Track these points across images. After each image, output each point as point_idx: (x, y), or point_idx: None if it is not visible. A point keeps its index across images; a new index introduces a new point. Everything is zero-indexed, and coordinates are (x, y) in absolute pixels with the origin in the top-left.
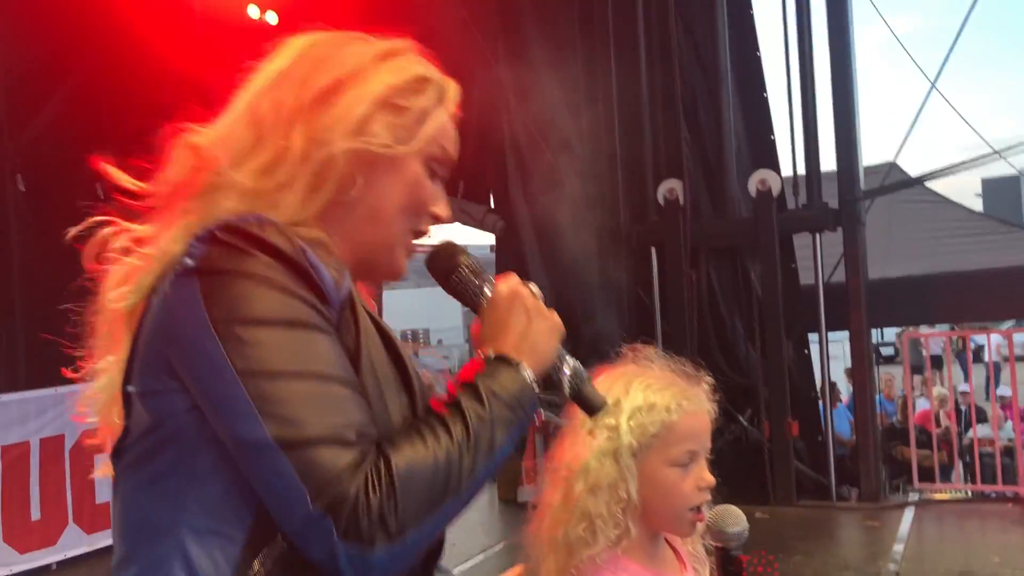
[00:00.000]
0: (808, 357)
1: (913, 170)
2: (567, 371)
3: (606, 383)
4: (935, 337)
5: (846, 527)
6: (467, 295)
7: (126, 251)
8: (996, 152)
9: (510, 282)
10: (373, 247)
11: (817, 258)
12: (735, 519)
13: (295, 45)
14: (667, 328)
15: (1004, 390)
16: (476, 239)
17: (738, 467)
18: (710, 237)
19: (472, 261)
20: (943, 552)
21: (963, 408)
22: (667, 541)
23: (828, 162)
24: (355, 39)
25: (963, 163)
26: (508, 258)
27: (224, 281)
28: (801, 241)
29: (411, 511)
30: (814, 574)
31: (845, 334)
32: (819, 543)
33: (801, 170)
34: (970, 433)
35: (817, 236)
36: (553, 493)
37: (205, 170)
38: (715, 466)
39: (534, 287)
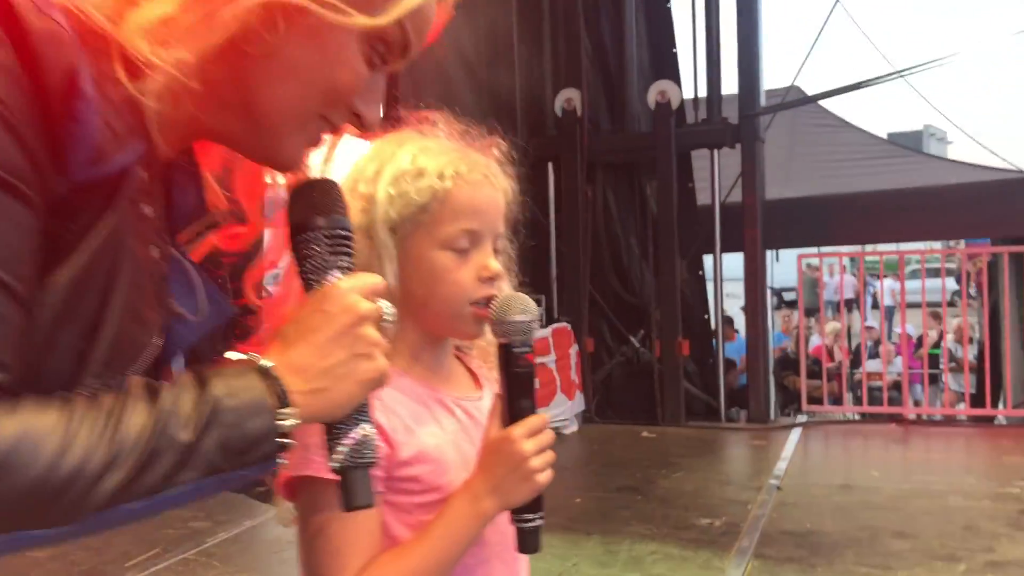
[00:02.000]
0: (702, 279)
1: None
2: (353, 438)
3: (373, 150)
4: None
5: (732, 446)
6: (305, 265)
7: None
8: (897, 72)
9: (361, 287)
10: (264, 121)
11: (714, 176)
12: (521, 306)
13: None
14: (561, 247)
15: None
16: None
17: (628, 388)
18: (607, 152)
19: (340, 228)
20: (825, 468)
21: (868, 344)
22: (461, 360)
23: (729, 86)
24: None
25: (864, 81)
26: None
27: None
28: (700, 164)
29: None
30: (695, 489)
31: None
32: (703, 460)
33: (703, 88)
34: (861, 368)
35: (715, 153)
36: (288, 289)
37: None
38: (605, 388)
39: (389, 308)
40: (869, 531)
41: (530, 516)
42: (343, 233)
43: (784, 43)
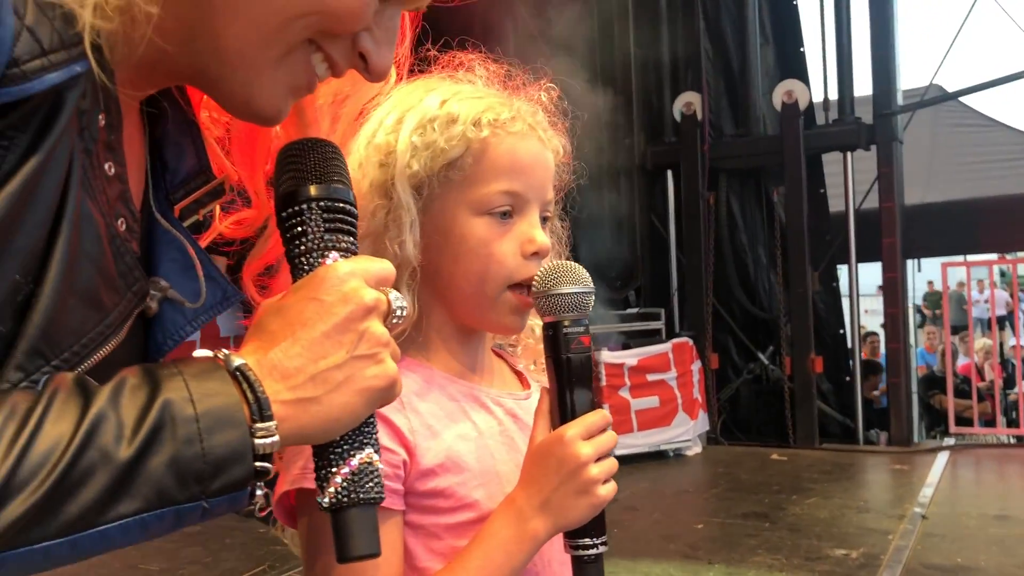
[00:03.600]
0: (836, 291)
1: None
2: (346, 470)
3: (396, 96)
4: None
5: (871, 470)
6: (295, 245)
7: None
8: None
9: (364, 271)
10: (230, 49)
11: (848, 180)
12: (572, 276)
13: None
14: (683, 258)
15: None
16: None
17: (756, 407)
18: (731, 157)
19: (339, 200)
20: (978, 496)
21: (1013, 362)
22: (504, 359)
23: (863, 88)
24: None
25: (1015, 74)
26: None
27: None
28: (832, 168)
29: None
30: (830, 516)
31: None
32: (839, 485)
33: (832, 91)
34: (1016, 388)
35: (848, 156)
36: None
37: None
38: (731, 407)
39: (399, 300)
40: None
41: (589, 542)
42: (343, 207)
43: (921, 41)
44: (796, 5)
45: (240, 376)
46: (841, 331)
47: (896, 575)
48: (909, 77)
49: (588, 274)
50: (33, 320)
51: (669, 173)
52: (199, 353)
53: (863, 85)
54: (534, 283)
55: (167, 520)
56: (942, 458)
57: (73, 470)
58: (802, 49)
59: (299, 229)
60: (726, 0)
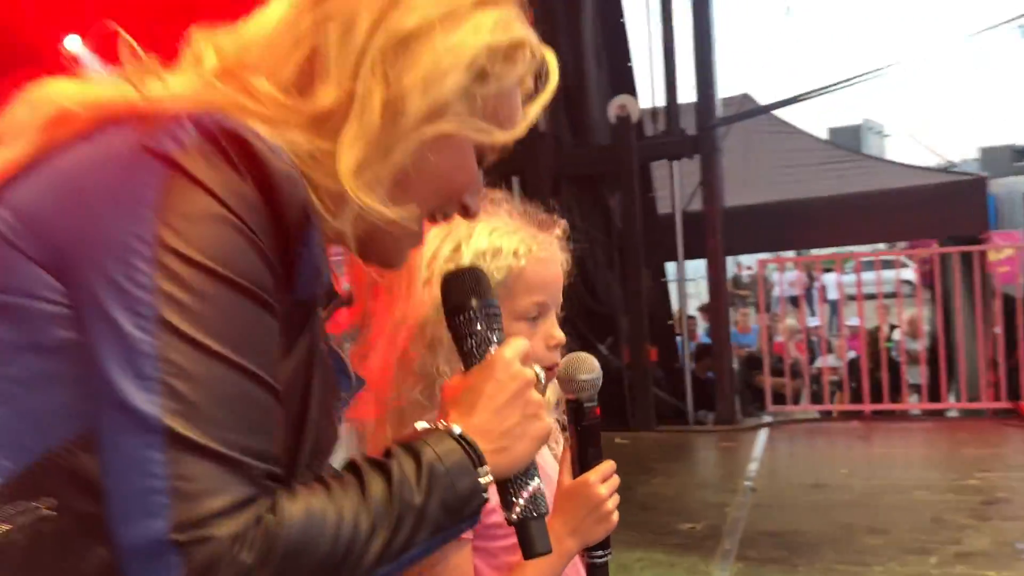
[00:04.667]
0: (664, 285)
1: (767, 101)
2: (526, 494)
3: (446, 229)
4: (787, 275)
5: (703, 449)
6: (468, 341)
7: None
8: (844, 82)
9: (517, 350)
10: (393, 228)
11: (674, 186)
12: (588, 366)
13: None
14: None
15: (853, 320)
16: None
17: (600, 395)
18: (571, 166)
19: (490, 304)
20: (795, 468)
21: (814, 340)
22: None
23: (685, 95)
24: None
25: (814, 90)
26: None
27: (195, 197)
28: (659, 172)
29: None
30: (675, 494)
31: (699, 271)
32: (678, 464)
33: (660, 100)
34: (818, 362)
35: (674, 164)
36: (388, 356)
37: (231, 76)
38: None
39: (540, 371)
40: (844, 529)
41: (601, 552)
42: (495, 311)
43: (732, 50)
44: (624, 22)
45: (462, 439)
46: (669, 322)
47: (736, 543)
48: (722, 85)
49: (598, 363)
50: (308, 435)
51: (516, 180)
52: (420, 424)
53: (684, 88)
54: (559, 370)
55: (438, 542)
56: (763, 435)
57: (396, 515)
58: (630, 64)
59: (468, 329)
60: (560, 19)
